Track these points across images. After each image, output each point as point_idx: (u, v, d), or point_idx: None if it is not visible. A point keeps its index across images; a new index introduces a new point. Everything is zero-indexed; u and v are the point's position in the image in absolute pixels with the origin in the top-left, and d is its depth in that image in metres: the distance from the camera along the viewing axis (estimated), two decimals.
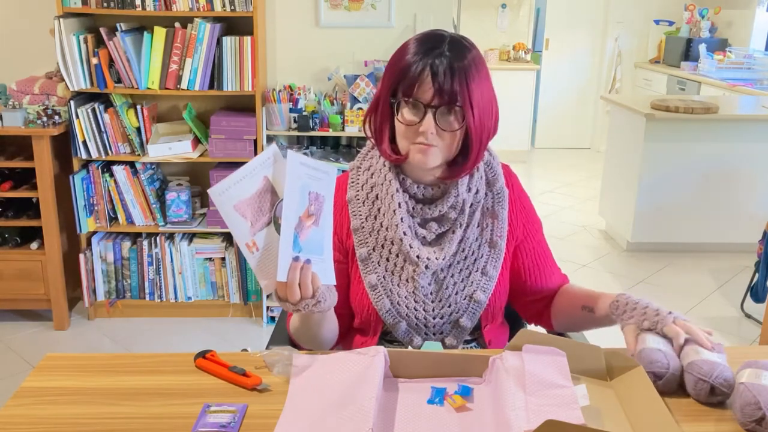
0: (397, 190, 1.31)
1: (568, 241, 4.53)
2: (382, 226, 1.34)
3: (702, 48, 5.87)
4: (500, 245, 1.37)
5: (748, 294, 3.38)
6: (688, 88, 5.64)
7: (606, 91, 6.85)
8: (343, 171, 1.43)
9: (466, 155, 1.28)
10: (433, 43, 1.24)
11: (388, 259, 1.33)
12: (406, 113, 1.24)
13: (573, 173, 6.28)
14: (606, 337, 1.35)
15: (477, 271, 1.35)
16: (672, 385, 1.11)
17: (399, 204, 1.31)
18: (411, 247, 1.30)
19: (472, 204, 1.35)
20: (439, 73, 1.20)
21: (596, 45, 6.92)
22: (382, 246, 1.34)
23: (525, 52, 6.71)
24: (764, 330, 2.92)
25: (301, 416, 1.04)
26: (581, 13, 6.86)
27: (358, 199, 1.37)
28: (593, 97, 6.96)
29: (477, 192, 1.35)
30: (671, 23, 6.63)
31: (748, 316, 3.45)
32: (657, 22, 6.69)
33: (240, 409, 1.07)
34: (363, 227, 1.35)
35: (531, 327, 1.48)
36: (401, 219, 1.30)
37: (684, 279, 3.91)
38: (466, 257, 1.35)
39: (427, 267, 1.31)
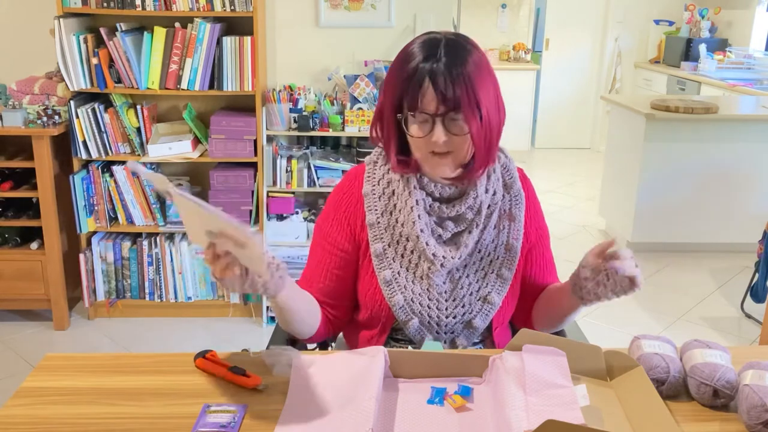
0: (415, 187, 1.31)
1: (568, 241, 4.53)
2: (398, 222, 1.34)
3: (702, 48, 5.87)
4: (516, 248, 1.37)
5: (748, 294, 3.38)
6: (688, 88, 5.64)
7: (606, 91, 6.84)
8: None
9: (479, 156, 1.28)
10: (427, 50, 1.22)
11: (403, 256, 1.34)
12: (414, 127, 1.24)
13: (573, 173, 6.28)
14: (606, 338, 1.35)
15: (492, 272, 1.36)
16: (676, 389, 1.11)
17: (416, 201, 1.31)
18: (427, 245, 1.30)
19: (489, 206, 1.35)
20: (438, 81, 1.19)
21: (596, 45, 6.92)
22: (398, 242, 1.34)
23: (525, 52, 6.71)
24: (764, 330, 2.92)
25: (301, 416, 1.04)
26: (581, 13, 6.86)
27: (374, 194, 1.36)
28: (593, 97, 6.96)
29: (494, 194, 1.35)
30: (671, 23, 6.63)
31: (748, 316, 3.45)
32: (657, 22, 6.68)
33: (240, 409, 1.07)
34: (379, 222, 1.35)
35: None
36: (418, 216, 1.30)
37: (684, 279, 3.91)
38: (482, 258, 1.35)
39: (442, 265, 1.31)
